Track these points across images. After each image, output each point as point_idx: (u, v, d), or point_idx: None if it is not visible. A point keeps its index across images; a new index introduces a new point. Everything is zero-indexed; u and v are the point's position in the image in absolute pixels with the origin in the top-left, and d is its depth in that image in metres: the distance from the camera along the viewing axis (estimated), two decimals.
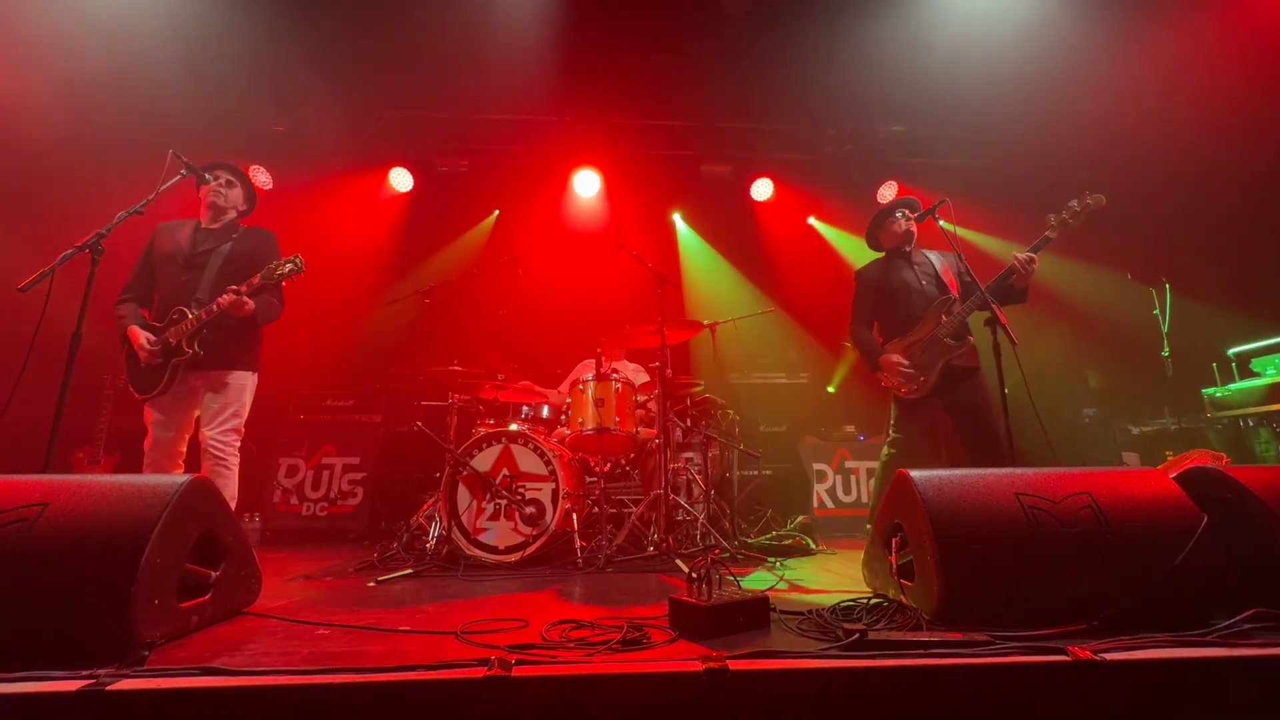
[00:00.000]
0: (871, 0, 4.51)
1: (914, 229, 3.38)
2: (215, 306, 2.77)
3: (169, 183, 2.66)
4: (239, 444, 2.87)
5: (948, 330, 3.12)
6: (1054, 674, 1.30)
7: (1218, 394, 4.14)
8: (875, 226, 3.50)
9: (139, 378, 2.83)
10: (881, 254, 3.55)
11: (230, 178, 3.07)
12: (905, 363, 3.18)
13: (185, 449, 2.88)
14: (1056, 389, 5.54)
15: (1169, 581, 1.61)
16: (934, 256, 3.40)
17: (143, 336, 2.78)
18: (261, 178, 5.37)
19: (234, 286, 2.80)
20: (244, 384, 2.92)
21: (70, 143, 4.64)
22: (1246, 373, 4.09)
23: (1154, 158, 4.78)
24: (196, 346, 2.79)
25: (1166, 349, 4.40)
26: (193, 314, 2.79)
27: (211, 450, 2.78)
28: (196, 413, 2.88)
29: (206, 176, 2.97)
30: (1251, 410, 3.92)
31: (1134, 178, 4.86)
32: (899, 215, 3.39)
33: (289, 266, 2.84)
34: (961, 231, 2.93)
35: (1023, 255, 2.99)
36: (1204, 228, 4.71)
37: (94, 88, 4.43)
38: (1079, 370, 5.55)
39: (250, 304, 2.84)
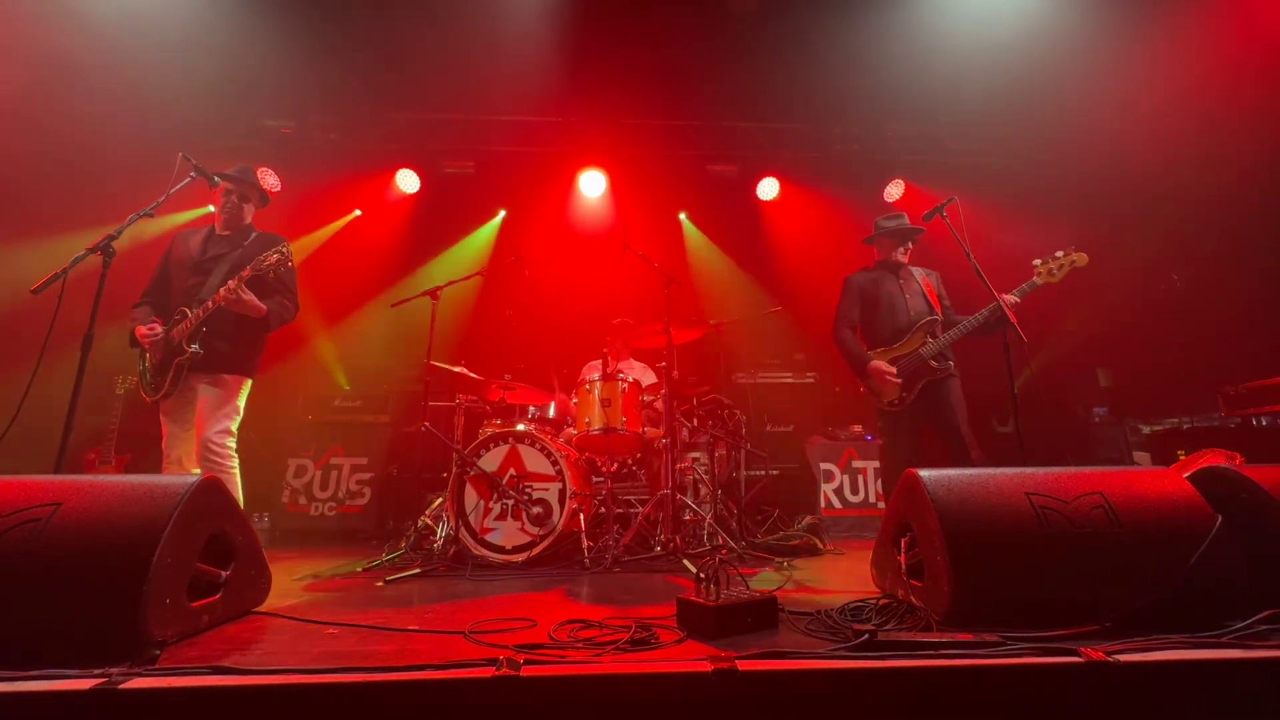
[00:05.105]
0: None
1: (906, 260, 3.50)
2: (211, 303, 2.78)
3: (179, 185, 2.69)
4: (234, 445, 2.87)
5: (932, 352, 3.18)
6: (1066, 675, 1.28)
7: (1231, 392, 4.09)
8: (878, 236, 3.52)
9: (148, 380, 2.88)
10: (870, 266, 3.60)
11: (242, 193, 3.09)
12: (893, 371, 3.21)
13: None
14: (1067, 388, 5.49)
15: (1183, 582, 1.59)
16: (920, 274, 3.47)
17: (146, 329, 2.82)
18: (269, 179, 5.40)
19: (231, 282, 2.80)
20: (237, 387, 2.92)
21: (80, 145, 4.69)
22: (1261, 370, 4.04)
23: (1169, 154, 4.72)
24: (196, 346, 2.80)
25: (1177, 347, 4.36)
26: (193, 313, 2.81)
27: (206, 453, 2.78)
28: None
29: (216, 180, 2.99)
30: (1266, 409, 3.88)
31: (1147, 174, 4.80)
32: (903, 247, 3.47)
33: (275, 257, 2.82)
34: (969, 230, 2.91)
35: (1010, 299, 3.01)
36: (1221, 224, 4.65)
37: (102, 90, 4.47)
38: (1090, 369, 5.50)
39: (252, 298, 2.83)
